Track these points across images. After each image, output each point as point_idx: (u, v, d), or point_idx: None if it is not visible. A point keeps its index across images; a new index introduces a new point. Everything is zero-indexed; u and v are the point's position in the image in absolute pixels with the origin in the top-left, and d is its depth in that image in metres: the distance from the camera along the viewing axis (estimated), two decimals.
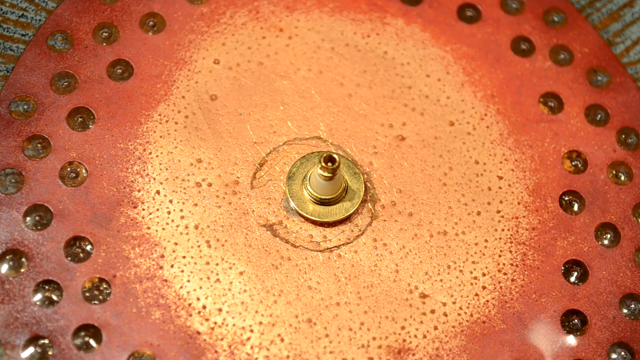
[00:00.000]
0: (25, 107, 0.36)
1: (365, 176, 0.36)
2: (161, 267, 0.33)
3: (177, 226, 0.34)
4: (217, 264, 0.34)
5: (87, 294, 0.33)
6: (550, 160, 0.37)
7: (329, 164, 0.33)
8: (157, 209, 0.34)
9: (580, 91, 0.39)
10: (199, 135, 0.36)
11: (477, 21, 0.40)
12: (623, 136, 0.38)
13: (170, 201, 0.35)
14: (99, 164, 0.35)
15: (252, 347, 0.32)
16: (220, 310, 0.33)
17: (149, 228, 0.34)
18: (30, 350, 0.32)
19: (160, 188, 0.35)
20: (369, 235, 0.35)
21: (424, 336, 0.33)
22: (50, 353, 0.32)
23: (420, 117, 0.37)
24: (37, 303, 0.32)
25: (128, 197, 0.35)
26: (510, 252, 0.35)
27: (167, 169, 0.35)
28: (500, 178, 0.36)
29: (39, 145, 0.35)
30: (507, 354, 0.33)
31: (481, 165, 0.37)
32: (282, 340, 0.33)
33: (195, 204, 0.35)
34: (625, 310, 0.34)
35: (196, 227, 0.34)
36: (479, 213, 0.36)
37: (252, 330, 0.33)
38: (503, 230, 0.35)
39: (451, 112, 0.37)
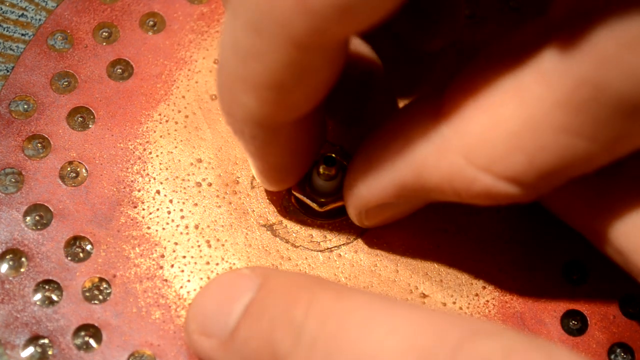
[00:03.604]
0: (25, 106, 0.36)
1: None
2: (161, 267, 0.33)
3: (177, 226, 0.34)
4: (217, 264, 0.34)
5: (87, 294, 0.33)
6: None
7: (329, 164, 0.33)
8: (157, 209, 0.34)
9: None
10: (199, 135, 0.36)
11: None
12: None
13: (171, 201, 0.35)
14: (99, 164, 0.35)
15: None
16: None
17: (149, 228, 0.34)
18: (30, 350, 0.32)
19: (160, 188, 0.35)
20: (369, 235, 0.35)
21: None
22: (50, 353, 0.32)
23: None
24: (37, 303, 0.32)
25: (128, 197, 0.35)
26: (511, 251, 0.35)
27: (167, 168, 0.35)
28: None
29: (39, 144, 0.35)
30: None
31: None
32: None
33: (196, 204, 0.35)
34: (625, 311, 0.34)
35: (196, 227, 0.34)
36: (479, 212, 0.36)
37: None
38: (503, 229, 0.35)
39: None
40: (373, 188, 0.30)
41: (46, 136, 0.35)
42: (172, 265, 0.34)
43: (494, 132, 0.25)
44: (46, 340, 0.32)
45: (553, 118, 0.24)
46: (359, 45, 0.31)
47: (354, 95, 0.31)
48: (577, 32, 0.23)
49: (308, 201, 0.34)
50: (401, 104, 0.37)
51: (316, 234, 0.35)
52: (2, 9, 0.38)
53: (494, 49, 0.26)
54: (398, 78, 0.35)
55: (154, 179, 0.35)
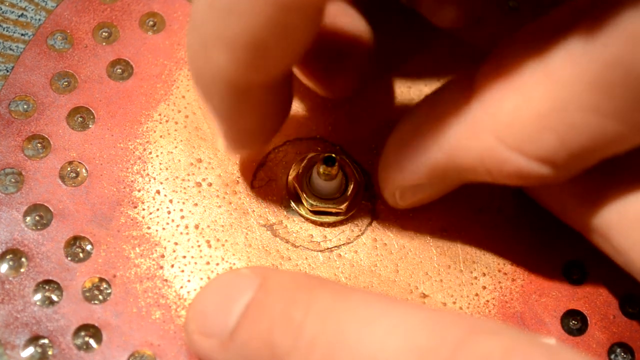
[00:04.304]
0: (25, 106, 0.36)
1: (366, 176, 0.36)
2: (161, 267, 0.33)
3: (178, 226, 0.34)
4: (217, 264, 0.34)
5: (87, 294, 0.33)
6: None
7: (329, 164, 0.33)
8: (157, 209, 0.34)
9: None
10: (199, 135, 0.36)
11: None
12: None
13: (171, 201, 0.35)
14: (99, 164, 0.35)
15: None
16: None
17: (149, 228, 0.34)
18: (30, 350, 0.32)
19: (160, 188, 0.35)
20: (369, 235, 0.35)
21: None
22: (50, 353, 0.32)
23: None
24: (37, 303, 0.32)
25: (128, 197, 0.35)
26: (511, 251, 0.35)
27: (167, 168, 0.35)
28: None
29: (39, 144, 0.35)
30: None
31: None
32: None
33: (196, 204, 0.35)
34: (625, 310, 0.34)
35: (196, 227, 0.34)
36: (479, 212, 0.36)
37: None
38: (503, 229, 0.35)
39: None
40: (406, 169, 0.30)
41: (46, 136, 0.35)
42: (172, 265, 0.34)
43: (524, 112, 0.25)
44: (46, 340, 0.32)
45: (583, 99, 0.24)
46: (350, 14, 0.31)
47: (341, 64, 0.31)
48: (604, 15, 0.23)
49: (303, 195, 0.34)
50: (395, 77, 0.37)
51: (316, 234, 0.35)
52: (2, 9, 0.38)
53: (524, 32, 0.26)
54: (392, 48, 0.35)
55: (154, 179, 0.35)
